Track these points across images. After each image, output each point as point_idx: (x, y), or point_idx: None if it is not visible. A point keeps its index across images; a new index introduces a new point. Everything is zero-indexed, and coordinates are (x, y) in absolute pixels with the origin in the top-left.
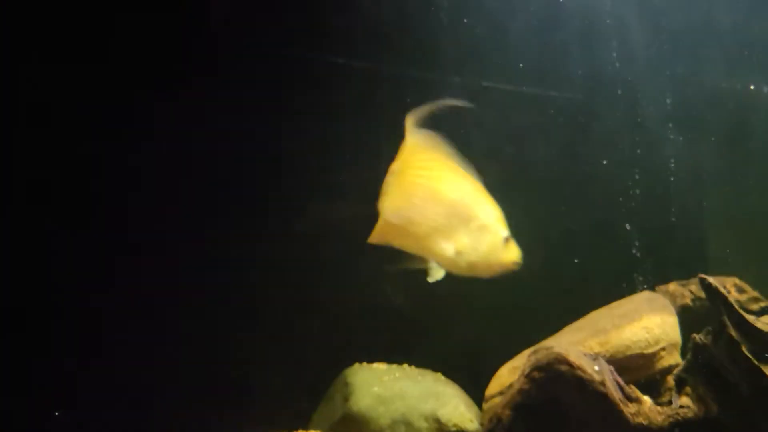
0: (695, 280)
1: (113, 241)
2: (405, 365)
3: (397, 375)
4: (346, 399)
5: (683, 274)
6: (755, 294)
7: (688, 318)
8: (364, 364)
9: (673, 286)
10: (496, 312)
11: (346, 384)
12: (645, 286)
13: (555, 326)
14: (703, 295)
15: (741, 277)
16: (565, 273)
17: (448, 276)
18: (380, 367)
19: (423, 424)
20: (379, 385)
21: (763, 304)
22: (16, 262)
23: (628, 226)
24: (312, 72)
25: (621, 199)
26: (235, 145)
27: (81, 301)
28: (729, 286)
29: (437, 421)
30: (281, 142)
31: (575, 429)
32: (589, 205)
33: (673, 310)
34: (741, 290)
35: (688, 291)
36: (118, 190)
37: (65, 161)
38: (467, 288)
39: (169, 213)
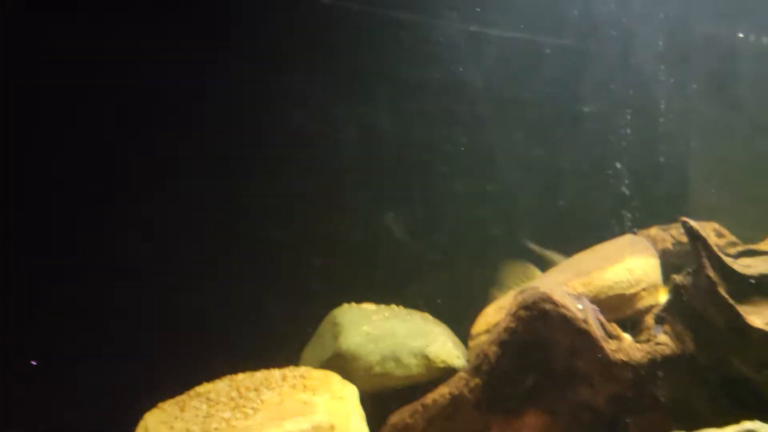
0: (676, 225)
1: None
2: (393, 306)
3: (386, 314)
4: (336, 338)
5: (670, 211)
6: (733, 238)
7: (668, 261)
8: (353, 304)
9: (654, 231)
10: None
11: (336, 323)
12: (631, 225)
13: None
14: (683, 239)
15: (722, 220)
16: (558, 209)
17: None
18: (369, 307)
19: (412, 361)
20: (369, 324)
21: (740, 248)
22: None
23: (618, 165)
24: None
25: (612, 138)
26: None
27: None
28: (708, 231)
29: (426, 357)
30: None
31: (558, 365)
32: (582, 144)
33: (654, 252)
34: (720, 234)
35: (668, 235)
36: None
37: None
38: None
39: None
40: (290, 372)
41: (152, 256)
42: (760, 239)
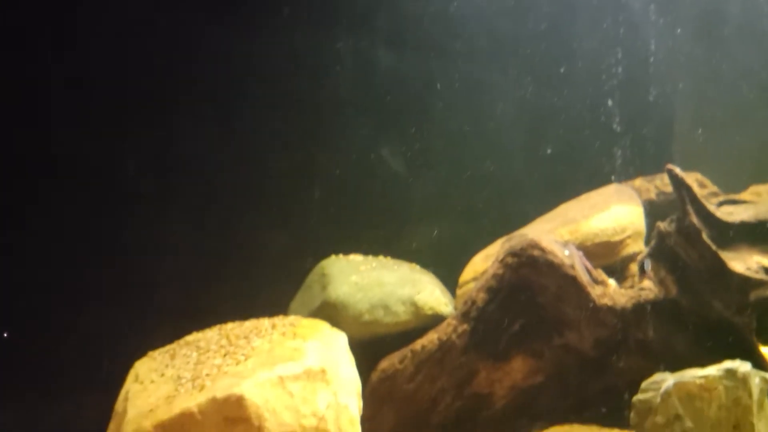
0: (660, 176)
1: None
2: (381, 256)
3: (373, 265)
4: (324, 288)
5: (657, 149)
6: (714, 189)
7: (651, 211)
8: (341, 255)
9: (639, 182)
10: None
11: (324, 274)
12: (621, 163)
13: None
14: (667, 189)
15: (705, 171)
16: (550, 147)
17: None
18: (357, 258)
19: (400, 308)
20: (357, 274)
21: (721, 198)
22: None
23: (610, 102)
24: None
25: (604, 76)
26: None
27: None
28: (691, 181)
29: (414, 304)
30: None
31: (545, 310)
32: (574, 81)
33: (639, 201)
34: (702, 185)
35: (653, 186)
36: None
37: None
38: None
39: None
40: (280, 321)
41: (141, 197)
42: (742, 189)
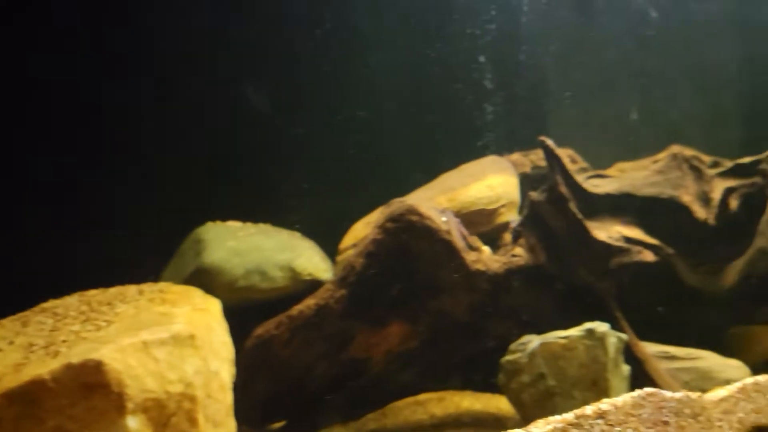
0: (535, 151)
1: None
2: (260, 224)
3: (252, 231)
4: (198, 253)
5: (530, 109)
6: (584, 165)
7: (526, 184)
8: (218, 222)
9: (515, 156)
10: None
11: (199, 240)
12: (492, 118)
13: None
14: (541, 163)
15: (578, 144)
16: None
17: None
18: (235, 224)
19: (278, 273)
20: (234, 239)
21: (590, 173)
22: None
23: (482, 59)
24: None
25: (478, 31)
26: None
27: None
28: (563, 155)
29: (292, 270)
30: None
31: (422, 275)
32: (447, 36)
33: (515, 172)
34: (573, 160)
35: (528, 160)
36: None
37: None
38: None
39: None
40: (148, 287)
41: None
42: (608, 165)
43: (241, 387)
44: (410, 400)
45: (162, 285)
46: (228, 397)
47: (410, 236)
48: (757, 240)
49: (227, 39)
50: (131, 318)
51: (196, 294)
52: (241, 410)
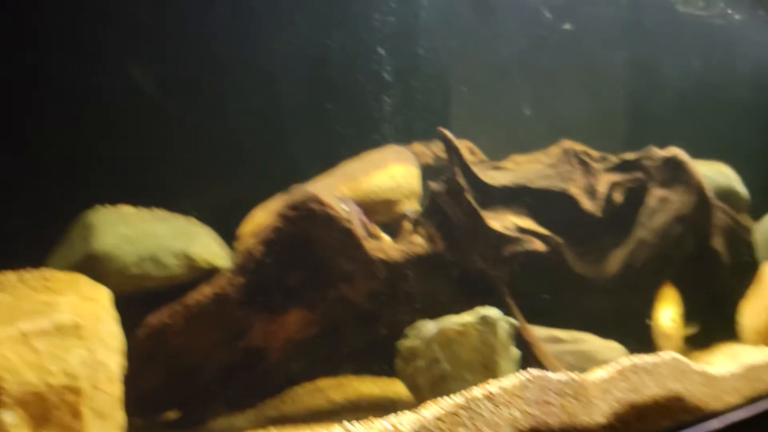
0: (437, 143)
1: None
2: (155, 209)
3: (146, 216)
4: (87, 239)
5: (431, 101)
6: (483, 157)
7: (428, 174)
8: (108, 206)
9: (417, 146)
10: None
11: (87, 225)
12: (390, 111)
13: None
14: (442, 155)
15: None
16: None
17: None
18: (127, 209)
19: (173, 261)
20: (126, 225)
21: (487, 165)
22: None
23: (381, 51)
24: None
25: (377, 17)
26: None
27: None
28: (462, 147)
29: (188, 257)
30: None
31: (322, 263)
32: (344, 24)
33: (416, 162)
34: (471, 152)
35: (430, 151)
36: None
37: None
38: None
39: None
40: (29, 274)
41: None
42: (504, 157)
43: (132, 377)
44: (310, 386)
45: (45, 272)
46: (116, 389)
47: (311, 224)
48: (637, 231)
49: (117, 20)
50: (9, 307)
51: (83, 282)
52: (132, 401)
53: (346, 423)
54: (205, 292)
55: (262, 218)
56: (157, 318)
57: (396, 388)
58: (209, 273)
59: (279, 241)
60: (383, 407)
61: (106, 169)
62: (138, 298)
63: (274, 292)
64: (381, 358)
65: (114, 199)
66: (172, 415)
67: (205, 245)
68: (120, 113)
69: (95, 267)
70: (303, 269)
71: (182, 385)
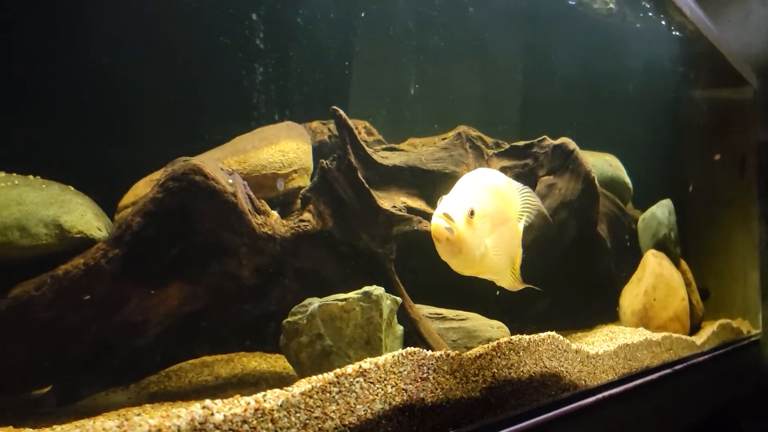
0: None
1: None
2: (30, 176)
3: (15, 182)
4: None
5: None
6: (379, 137)
7: (324, 152)
8: None
9: (315, 124)
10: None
11: None
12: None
13: None
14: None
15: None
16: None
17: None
18: None
19: (42, 230)
20: None
21: (384, 146)
22: None
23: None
24: None
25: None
26: None
27: None
28: (360, 127)
29: (59, 226)
30: None
31: (204, 236)
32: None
33: (309, 139)
34: (369, 132)
35: (326, 128)
36: None
37: None
38: None
39: None
40: None
41: None
42: (402, 140)
43: None
44: (197, 361)
45: None
46: None
47: (192, 196)
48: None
49: None
50: None
51: None
52: None
53: (208, 401)
54: (76, 263)
55: (144, 189)
56: (22, 289)
57: (285, 363)
58: (83, 244)
59: (159, 212)
60: (268, 382)
61: None
62: (2, 268)
63: (152, 265)
64: (271, 335)
65: None
66: (43, 391)
67: (79, 214)
68: None
69: None
70: (185, 242)
71: (52, 361)
